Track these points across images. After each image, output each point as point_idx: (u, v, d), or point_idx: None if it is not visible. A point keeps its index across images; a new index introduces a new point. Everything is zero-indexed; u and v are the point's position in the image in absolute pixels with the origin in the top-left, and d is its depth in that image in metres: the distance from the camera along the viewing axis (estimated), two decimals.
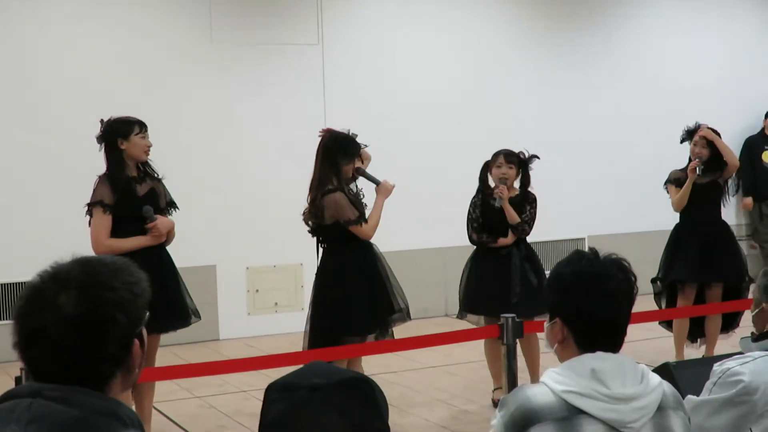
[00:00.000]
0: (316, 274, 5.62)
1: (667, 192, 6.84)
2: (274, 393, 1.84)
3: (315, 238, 5.59)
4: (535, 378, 5.88)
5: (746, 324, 5.92)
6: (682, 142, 6.81)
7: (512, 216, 6.07)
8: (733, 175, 6.76)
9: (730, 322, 6.74)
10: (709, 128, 6.69)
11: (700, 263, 6.59)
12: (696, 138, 6.66)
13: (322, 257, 5.58)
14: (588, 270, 2.33)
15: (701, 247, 6.62)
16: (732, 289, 6.71)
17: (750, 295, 6.61)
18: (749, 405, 2.60)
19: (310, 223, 5.52)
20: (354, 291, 5.43)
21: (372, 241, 5.64)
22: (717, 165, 6.65)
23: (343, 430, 1.77)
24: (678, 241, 6.78)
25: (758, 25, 10.91)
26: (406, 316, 5.66)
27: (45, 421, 1.63)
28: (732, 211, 10.70)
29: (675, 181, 6.76)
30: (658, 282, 6.77)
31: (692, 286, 6.66)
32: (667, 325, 6.84)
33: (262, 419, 1.83)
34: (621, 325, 2.35)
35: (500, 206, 6.06)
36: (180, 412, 6.21)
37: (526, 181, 6.22)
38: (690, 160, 6.70)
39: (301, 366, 1.94)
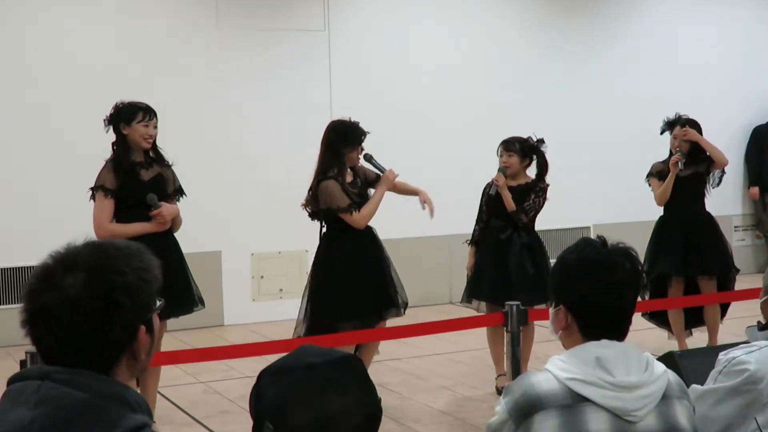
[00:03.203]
0: (313, 261, 5.70)
1: (650, 185, 6.74)
2: (268, 378, 1.79)
3: (318, 225, 5.65)
4: (523, 366, 5.79)
5: (738, 314, 5.94)
6: (662, 133, 6.70)
7: (508, 204, 6.05)
8: (717, 170, 6.59)
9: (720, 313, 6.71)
10: (689, 119, 6.57)
11: (686, 256, 6.53)
12: (675, 131, 6.58)
13: (319, 244, 5.65)
14: (594, 258, 2.33)
15: (686, 240, 6.55)
16: (719, 280, 6.64)
17: (740, 286, 6.62)
18: (754, 394, 2.59)
19: (308, 209, 5.60)
20: (342, 278, 5.47)
21: (376, 229, 5.67)
22: (699, 156, 6.57)
23: (344, 407, 1.74)
24: (662, 234, 6.70)
25: (766, 14, 10.85)
26: (401, 311, 5.70)
27: (53, 403, 1.63)
28: (738, 201, 10.68)
29: (657, 174, 6.67)
30: (643, 276, 6.67)
31: (679, 279, 6.59)
32: (650, 316, 6.77)
33: (258, 406, 1.78)
34: (625, 313, 2.35)
35: (495, 193, 6.06)
36: (184, 396, 6.23)
37: (542, 170, 6.15)
38: (671, 152, 6.61)
39: (290, 352, 1.88)
